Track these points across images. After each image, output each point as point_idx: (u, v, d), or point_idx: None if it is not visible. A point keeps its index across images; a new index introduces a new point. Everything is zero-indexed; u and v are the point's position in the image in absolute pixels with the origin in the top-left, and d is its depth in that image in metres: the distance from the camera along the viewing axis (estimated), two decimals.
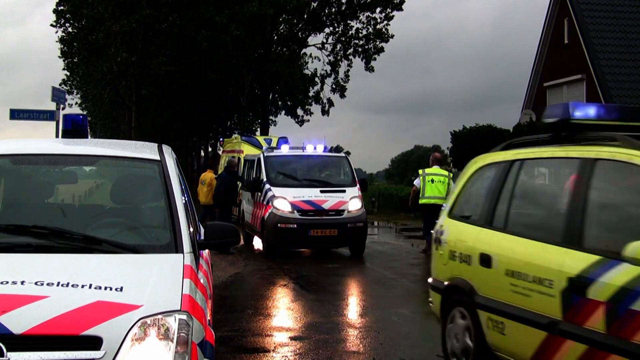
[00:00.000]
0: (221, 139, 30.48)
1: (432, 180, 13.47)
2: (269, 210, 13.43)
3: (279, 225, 13.22)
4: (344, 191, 13.88)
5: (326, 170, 15.04)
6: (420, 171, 14.00)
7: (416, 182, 13.97)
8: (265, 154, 14.96)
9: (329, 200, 13.52)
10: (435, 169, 13.80)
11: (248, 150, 21.79)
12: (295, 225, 13.22)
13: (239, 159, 22.45)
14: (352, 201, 13.71)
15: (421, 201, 13.62)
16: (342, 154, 15.32)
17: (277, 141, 21.87)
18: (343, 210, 13.49)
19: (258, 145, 21.87)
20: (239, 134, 26.74)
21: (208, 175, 16.97)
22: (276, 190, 13.63)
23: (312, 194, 13.57)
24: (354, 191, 14.07)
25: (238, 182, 16.11)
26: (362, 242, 14.14)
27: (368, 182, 19.88)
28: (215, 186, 15.45)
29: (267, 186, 13.86)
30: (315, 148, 15.02)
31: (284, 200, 13.37)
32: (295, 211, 13.28)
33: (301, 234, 13.26)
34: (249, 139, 23.57)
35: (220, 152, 35.60)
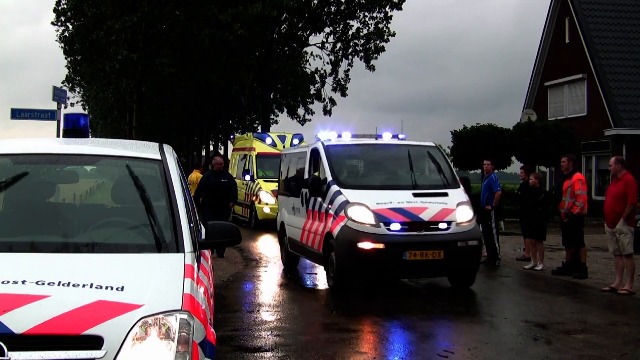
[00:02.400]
0: (232, 136, 29.80)
1: None
2: (341, 223, 9.30)
3: (358, 245, 9.02)
4: (445, 194, 9.88)
5: (415, 166, 10.64)
6: None
7: None
8: (325, 143, 10.72)
9: (429, 207, 9.44)
10: None
11: (260, 147, 21.06)
12: (384, 245, 9.09)
13: (248, 156, 21.58)
14: (460, 209, 9.66)
15: None
16: (432, 143, 11.37)
17: (291, 138, 21.40)
18: (450, 222, 9.43)
19: (271, 143, 21.22)
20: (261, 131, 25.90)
21: (194, 175, 16.90)
22: (350, 194, 9.54)
23: (402, 198, 9.53)
24: (460, 195, 10.07)
25: (223, 181, 13.62)
26: (474, 269, 9.90)
27: None
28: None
29: (335, 188, 9.74)
30: (396, 136, 11.35)
31: (364, 208, 9.29)
32: (381, 224, 9.18)
33: (392, 258, 9.12)
34: (261, 135, 22.54)
35: (220, 151, 34.98)
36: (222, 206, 13.57)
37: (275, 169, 20.33)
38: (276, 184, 19.41)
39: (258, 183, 20.00)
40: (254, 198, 20.02)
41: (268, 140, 21.51)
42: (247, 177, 20.44)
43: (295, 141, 21.22)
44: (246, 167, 21.17)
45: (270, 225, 18.71)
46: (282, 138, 21.50)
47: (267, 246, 15.86)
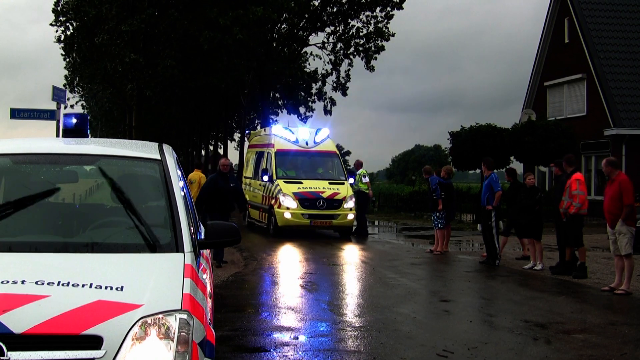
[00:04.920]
0: (247, 132, 27.96)
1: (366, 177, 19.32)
2: None
3: None
4: None
5: None
6: (362, 172, 19.04)
7: (366, 179, 18.98)
8: None
9: None
10: (364, 170, 19.20)
11: (280, 144, 18.80)
12: None
13: (266, 154, 19.23)
14: None
15: (364, 188, 19.05)
16: None
17: (314, 133, 19.32)
18: None
19: (293, 139, 18.98)
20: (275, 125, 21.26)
21: (196, 175, 16.20)
22: None
23: None
24: None
25: (232, 185, 12.47)
26: None
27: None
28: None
29: None
30: None
31: None
32: None
33: None
34: (282, 130, 19.68)
35: (220, 151, 34.33)
36: (228, 214, 12.38)
37: (297, 168, 18.71)
38: (298, 185, 17.67)
39: (278, 184, 17.70)
40: (272, 202, 17.69)
41: (289, 136, 19.20)
42: (265, 178, 18.22)
43: (323, 135, 19.30)
44: (264, 166, 18.81)
45: (292, 233, 17.63)
46: (305, 133, 19.42)
47: (270, 247, 15.83)
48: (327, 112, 39.20)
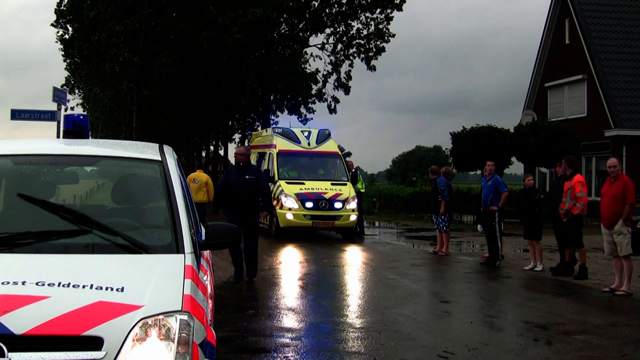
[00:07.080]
0: (249, 133, 27.86)
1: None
2: None
3: None
4: None
5: None
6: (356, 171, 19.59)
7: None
8: None
9: None
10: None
11: (282, 144, 18.80)
12: None
13: (268, 154, 19.12)
14: None
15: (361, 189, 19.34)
16: None
17: (316, 134, 19.31)
18: None
19: (294, 139, 19.05)
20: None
21: (197, 175, 16.16)
22: None
23: None
24: None
25: (247, 178, 10.64)
26: None
27: (369, 183, 19.61)
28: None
29: None
30: None
31: None
32: None
33: None
34: (283, 130, 19.76)
35: (220, 152, 34.05)
36: (248, 211, 10.61)
37: (299, 169, 18.65)
38: (300, 186, 17.67)
39: (280, 185, 17.75)
40: (274, 202, 17.44)
41: (290, 135, 19.25)
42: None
43: (325, 135, 19.35)
44: (265, 167, 18.69)
45: (293, 234, 17.60)
46: (307, 134, 19.42)
47: (271, 248, 15.81)
48: (332, 111, 39.18)
